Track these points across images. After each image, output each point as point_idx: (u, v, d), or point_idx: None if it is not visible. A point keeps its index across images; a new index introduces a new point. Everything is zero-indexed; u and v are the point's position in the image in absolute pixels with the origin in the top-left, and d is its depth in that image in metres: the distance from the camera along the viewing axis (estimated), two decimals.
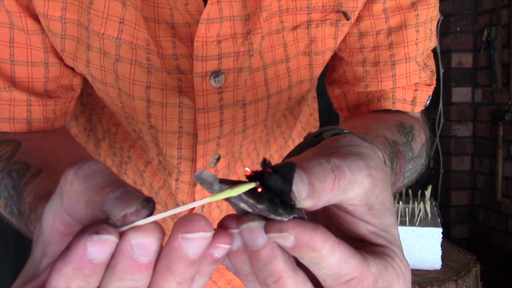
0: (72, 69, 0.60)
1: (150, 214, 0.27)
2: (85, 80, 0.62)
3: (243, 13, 0.53)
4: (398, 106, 0.63)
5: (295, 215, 0.28)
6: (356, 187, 0.29)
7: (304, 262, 0.28)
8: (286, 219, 0.27)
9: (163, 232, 0.27)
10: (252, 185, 0.27)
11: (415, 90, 0.63)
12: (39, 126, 0.59)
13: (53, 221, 0.29)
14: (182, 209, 0.28)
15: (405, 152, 0.56)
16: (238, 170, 0.68)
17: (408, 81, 0.62)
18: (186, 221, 0.26)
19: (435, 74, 0.65)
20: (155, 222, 0.27)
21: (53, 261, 0.26)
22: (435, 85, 0.65)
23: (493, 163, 2.67)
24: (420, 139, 0.61)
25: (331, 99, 0.69)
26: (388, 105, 0.62)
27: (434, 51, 0.65)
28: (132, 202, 0.26)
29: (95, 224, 0.26)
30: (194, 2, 0.51)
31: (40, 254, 0.30)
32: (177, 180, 0.61)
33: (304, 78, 0.61)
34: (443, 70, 2.89)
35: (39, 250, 0.30)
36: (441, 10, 2.86)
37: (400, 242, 0.32)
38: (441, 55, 2.87)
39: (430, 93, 0.65)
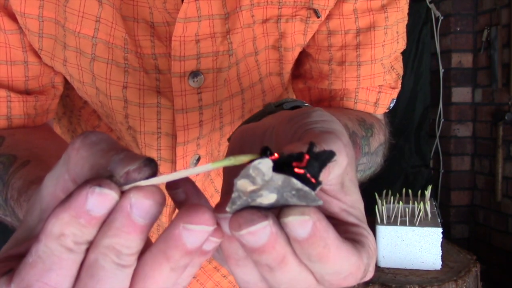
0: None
1: (153, 174, 0.27)
2: (64, 81, 0.62)
3: (222, 11, 0.53)
4: (360, 107, 0.63)
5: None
6: (337, 168, 0.29)
7: (306, 258, 0.27)
8: (314, 204, 0.26)
9: (163, 198, 0.27)
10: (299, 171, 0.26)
11: (379, 92, 0.63)
12: (19, 122, 0.58)
13: (55, 188, 0.29)
14: (186, 173, 0.28)
15: (362, 145, 0.56)
16: (221, 169, 0.67)
17: (372, 83, 0.62)
18: (191, 211, 0.26)
19: (401, 78, 0.66)
20: (157, 187, 0.27)
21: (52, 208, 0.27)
22: (399, 88, 0.65)
23: (493, 163, 2.67)
24: (378, 137, 0.61)
25: (293, 91, 0.68)
26: (349, 104, 0.63)
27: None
28: (135, 160, 0.27)
29: (99, 178, 0.26)
30: (172, 0, 0.51)
31: (36, 220, 0.30)
32: None
33: (273, 71, 0.61)
34: (443, 70, 2.89)
35: (34, 217, 0.30)
36: (441, 10, 2.87)
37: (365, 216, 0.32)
38: (441, 55, 2.87)
39: (394, 96, 0.65)
